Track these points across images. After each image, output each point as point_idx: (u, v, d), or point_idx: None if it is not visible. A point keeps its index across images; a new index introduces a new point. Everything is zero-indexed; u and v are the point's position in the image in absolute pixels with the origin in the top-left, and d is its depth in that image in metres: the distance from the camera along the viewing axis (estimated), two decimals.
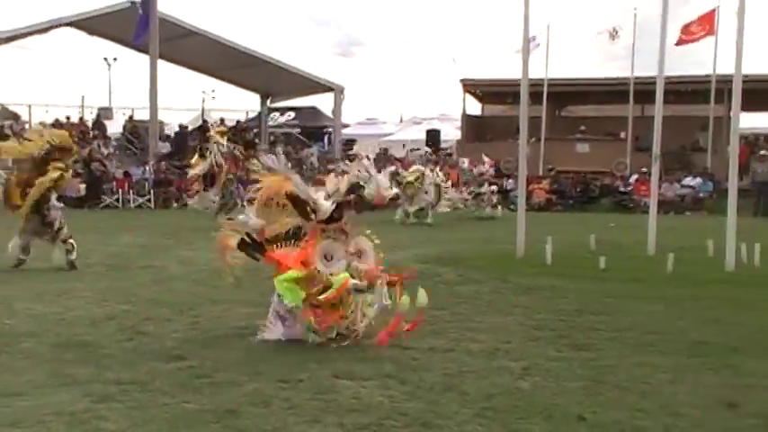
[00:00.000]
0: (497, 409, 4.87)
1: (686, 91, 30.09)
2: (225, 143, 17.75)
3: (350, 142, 38.12)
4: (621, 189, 29.21)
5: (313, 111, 41.79)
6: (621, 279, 10.30)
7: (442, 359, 6.12)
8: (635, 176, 28.84)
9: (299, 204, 6.64)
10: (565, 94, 35.89)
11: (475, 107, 39.56)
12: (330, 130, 39.08)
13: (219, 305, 8.28)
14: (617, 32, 33.16)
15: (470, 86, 36.75)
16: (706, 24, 30.10)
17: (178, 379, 5.44)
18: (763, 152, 29.11)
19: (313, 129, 40.62)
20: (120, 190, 26.42)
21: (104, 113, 37.96)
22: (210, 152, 17.55)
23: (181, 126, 34.86)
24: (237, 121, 37.46)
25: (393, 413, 4.77)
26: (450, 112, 44.13)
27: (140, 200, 26.50)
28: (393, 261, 7.38)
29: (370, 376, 5.53)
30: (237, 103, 42.99)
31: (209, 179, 17.85)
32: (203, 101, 43.00)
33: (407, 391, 5.20)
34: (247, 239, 6.83)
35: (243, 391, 5.18)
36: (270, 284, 6.88)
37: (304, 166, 31.87)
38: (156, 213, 24.16)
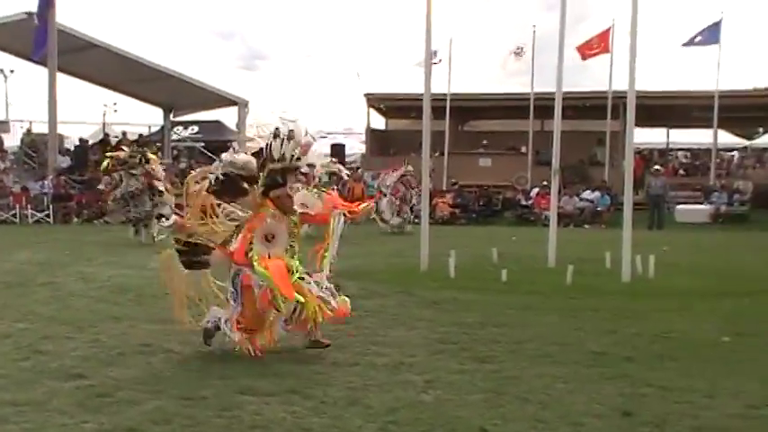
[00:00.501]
0: (401, 422, 4.91)
1: (584, 106, 30.89)
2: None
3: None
4: (523, 202, 29.70)
5: (217, 124, 41.39)
6: (523, 291, 10.47)
7: (346, 373, 6.13)
8: (536, 190, 29.36)
9: (229, 185, 6.64)
10: (467, 108, 36.41)
11: (379, 121, 39.82)
12: (235, 144, 38.74)
13: (122, 322, 8.12)
14: (522, 50, 33.87)
15: (374, 101, 36.97)
16: (602, 42, 30.95)
17: (77, 398, 5.32)
18: (656, 167, 30.04)
19: (217, 143, 40.21)
20: (17, 205, 25.69)
21: (0, 127, 36.87)
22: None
23: (81, 140, 34.14)
24: (140, 135, 36.82)
25: (296, 429, 4.76)
26: (354, 126, 44.27)
27: (39, 215, 25.81)
28: None
29: (274, 392, 5.51)
30: (140, 117, 42.13)
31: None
32: (104, 114, 42.03)
33: (311, 407, 5.20)
34: (183, 248, 6.77)
35: (144, 409, 5.10)
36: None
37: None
38: (56, 229, 23.54)
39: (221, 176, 6.61)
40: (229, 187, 6.65)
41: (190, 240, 6.74)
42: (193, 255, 6.78)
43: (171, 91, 34.35)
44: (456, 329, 7.89)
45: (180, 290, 7.01)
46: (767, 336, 7.69)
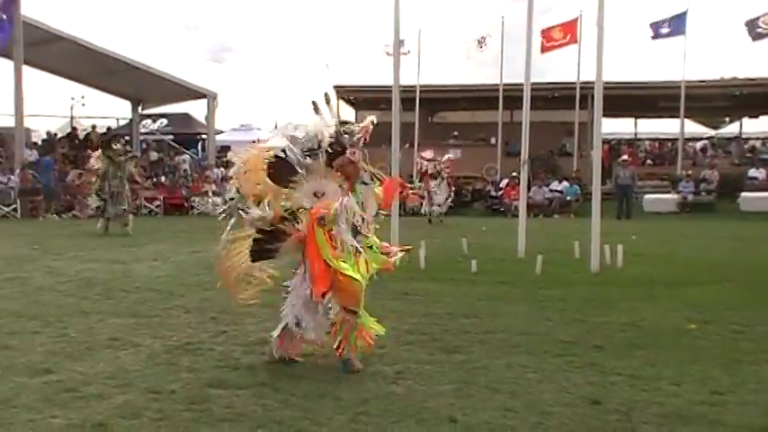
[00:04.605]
0: (371, 413, 4.92)
1: (553, 97, 31.04)
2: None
3: (224, 149, 37.73)
4: (493, 193, 29.84)
5: (186, 117, 41.20)
6: (492, 282, 10.52)
7: (318, 365, 6.13)
8: (505, 181, 29.49)
9: (281, 168, 6.04)
10: (437, 100, 36.45)
11: (349, 113, 39.72)
12: (204, 136, 38.62)
13: (90, 316, 8.07)
14: (484, 40, 33.91)
15: (344, 92, 36.86)
16: (568, 32, 31.08)
17: (44, 393, 5.28)
18: (624, 157, 30.28)
19: (186, 135, 40.04)
20: None
21: None
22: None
23: (48, 133, 33.85)
24: (108, 128, 36.60)
25: (267, 421, 4.76)
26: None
27: (5, 209, 25.58)
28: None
29: (245, 385, 5.50)
30: (108, 110, 41.85)
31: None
32: (72, 107, 41.68)
33: (281, 399, 5.19)
34: (260, 236, 6.06)
35: (112, 403, 5.07)
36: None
37: (177, 173, 31.42)
38: (23, 223, 23.36)
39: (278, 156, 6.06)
40: (282, 170, 6.06)
41: (270, 228, 6.07)
42: (267, 243, 6.09)
43: (139, 84, 34.12)
44: (426, 320, 7.92)
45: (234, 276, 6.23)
46: (731, 323, 7.78)
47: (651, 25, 32.24)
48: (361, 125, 6.33)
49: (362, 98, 37.79)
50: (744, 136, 40.87)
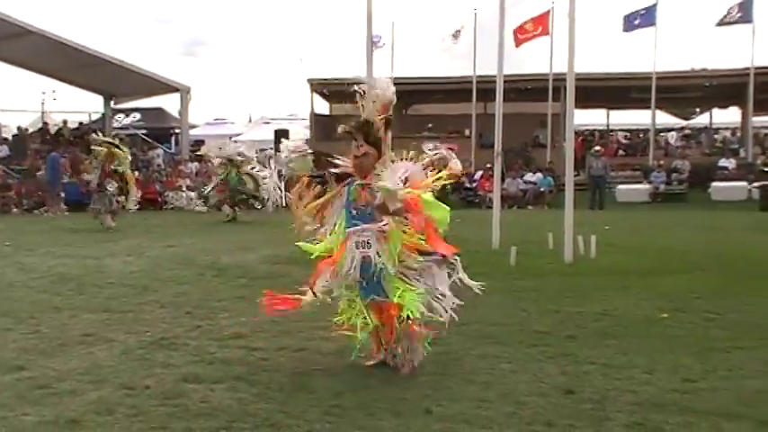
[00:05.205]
0: (346, 406, 4.92)
1: (526, 89, 31.15)
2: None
3: (198, 143, 37.59)
4: (467, 185, 29.90)
5: (159, 112, 40.96)
6: (467, 273, 10.48)
7: (293, 359, 6.13)
8: (480, 173, 29.59)
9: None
10: (411, 92, 36.42)
11: (323, 106, 39.65)
12: (177, 131, 38.42)
13: (62, 312, 8.02)
14: (459, 33, 34.02)
15: (317, 86, 36.81)
16: (540, 24, 31.20)
17: (16, 390, 5.24)
18: (597, 147, 30.47)
19: (159, 130, 39.82)
20: None
21: None
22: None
23: (20, 128, 33.58)
24: (80, 123, 36.32)
25: (242, 415, 4.75)
26: (298, 111, 44.11)
27: None
28: (243, 261, 7.23)
29: (220, 379, 5.48)
30: (80, 105, 41.54)
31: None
32: (43, 102, 41.32)
33: (257, 393, 5.18)
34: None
35: (86, 399, 5.04)
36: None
37: (151, 168, 31.26)
38: None
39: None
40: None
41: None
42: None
43: (111, 78, 33.86)
44: None
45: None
46: (703, 311, 7.86)
47: (624, 18, 32.45)
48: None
49: (336, 91, 37.74)
50: (714, 126, 41.25)
